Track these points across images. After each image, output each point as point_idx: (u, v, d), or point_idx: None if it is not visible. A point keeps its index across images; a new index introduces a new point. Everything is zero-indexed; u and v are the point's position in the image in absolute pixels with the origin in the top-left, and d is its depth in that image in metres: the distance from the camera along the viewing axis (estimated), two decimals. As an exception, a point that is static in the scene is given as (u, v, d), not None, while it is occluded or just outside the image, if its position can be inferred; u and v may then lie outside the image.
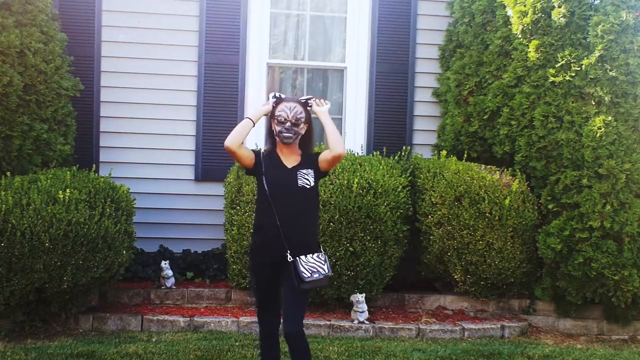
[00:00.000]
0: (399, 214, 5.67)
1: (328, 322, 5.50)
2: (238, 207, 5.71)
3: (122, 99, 6.68)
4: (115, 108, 6.67)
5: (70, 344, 4.87)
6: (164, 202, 6.68)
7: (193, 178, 6.77)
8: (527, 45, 5.92)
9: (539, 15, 5.83)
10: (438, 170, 5.88)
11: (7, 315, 5.02)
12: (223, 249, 6.42)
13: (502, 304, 6.09)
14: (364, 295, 5.55)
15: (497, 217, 5.59)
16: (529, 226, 5.76)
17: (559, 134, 5.71)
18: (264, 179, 3.63)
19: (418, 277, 6.37)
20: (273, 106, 3.71)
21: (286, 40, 7.15)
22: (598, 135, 5.50)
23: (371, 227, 5.52)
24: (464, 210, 5.62)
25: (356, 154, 6.21)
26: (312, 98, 3.77)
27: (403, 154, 6.39)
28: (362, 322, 5.50)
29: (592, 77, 5.59)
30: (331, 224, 5.48)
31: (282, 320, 3.66)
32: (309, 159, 3.71)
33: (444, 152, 6.23)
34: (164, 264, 6.02)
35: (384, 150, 6.52)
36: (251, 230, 5.50)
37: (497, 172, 5.93)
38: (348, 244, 5.52)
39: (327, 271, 3.55)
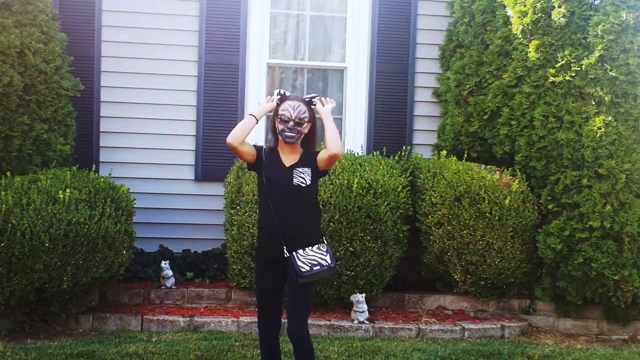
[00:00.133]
0: (399, 214, 5.67)
1: (328, 322, 5.50)
2: (238, 207, 5.71)
3: (122, 99, 6.68)
4: (115, 108, 6.67)
5: (70, 344, 4.87)
6: (164, 202, 6.68)
7: (193, 178, 6.77)
8: (527, 45, 5.92)
9: (539, 15, 5.83)
10: (438, 170, 5.88)
11: (7, 315, 5.02)
12: (223, 249, 6.42)
13: (502, 304, 6.09)
14: (364, 295, 5.55)
15: (497, 217, 5.59)
16: (529, 226, 5.76)
17: (559, 134, 5.71)
18: (263, 175, 3.64)
19: (418, 277, 6.37)
20: (277, 103, 3.70)
21: (286, 40, 7.15)
22: (598, 135, 5.50)
23: (371, 227, 5.53)
24: (464, 210, 5.62)
25: (356, 154, 6.21)
26: (316, 96, 3.75)
27: (403, 154, 6.39)
28: (362, 322, 5.50)
29: (592, 77, 5.59)
30: (331, 224, 5.48)
31: (286, 320, 3.65)
32: (308, 158, 3.70)
33: (444, 152, 6.23)
34: (164, 264, 6.02)
35: (384, 150, 6.52)
36: (251, 230, 5.53)
37: (497, 172, 5.93)
38: (348, 244, 5.52)
39: (330, 262, 3.54)
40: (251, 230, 5.54)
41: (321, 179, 5.39)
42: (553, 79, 5.75)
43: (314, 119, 3.73)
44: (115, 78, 6.67)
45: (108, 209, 5.17)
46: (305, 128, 3.68)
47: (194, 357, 4.60)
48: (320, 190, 5.42)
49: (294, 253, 3.50)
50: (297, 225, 3.58)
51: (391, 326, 5.53)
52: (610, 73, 5.51)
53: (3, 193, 4.78)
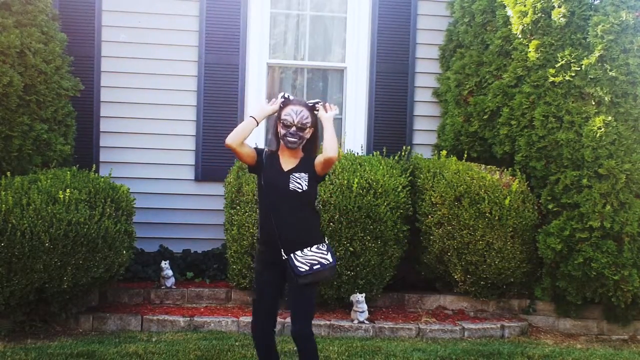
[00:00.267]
0: (399, 214, 5.67)
1: (328, 322, 5.50)
2: (238, 207, 5.71)
3: (122, 99, 6.68)
4: (115, 108, 6.67)
5: (70, 344, 4.87)
6: (164, 202, 6.68)
7: (193, 178, 6.77)
8: (527, 45, 5.92)
9: (539, 15, 5.83)
10: (438, 170, 5.88)
11: (7, 315, 5.02)
12: (223, 249, 6.42)
13: (502, 304, 6.09)
14: (364, 295, 5.55)
15: (497, 217, 5.59)
16: (529, 226, 5.76)
17: (559, 134, 5.71)
18: (262, 177, 3.64)
19: (418, 277, 6.37)
20: (280, 106, 3.69)
21: (286, 40, 7.15)
22: (598, 135, 5.50)
23: (371, 227, 5.53)
24: (464, 210, 5.62)
25: (356, 154, 6.21)
26: (320, 102, 3.72)
27: (403, 154, 6.39)
28: (362, 322, 5.50)
29: (592, 77, 5.59)
30: (331, 224, 5.48)
31: (289, 320, 3.65)
32: (307, 163, 3.68)
33: (444, 152, 6.23)
34: (164, 264, 6.02)
35: (384, 150, 6.52)
36: (251, 230, 5.53)
37: (497, 172, 5.93)
38: (348, 244, 5.52)
39: (331, 260, 3.53)
40: (251, 230, 5.54)
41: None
42: (553, 79, 5.75)
43: (316, 124, 3.71)
44: (115, 78, 6.67)
45: (108, 209, 5.17)
46: (307, 133, 3.67)
47: (194, 357, 4.60)
48: (320, 190, 5.42)
49: (291, 255, 3.50)
50: (295, 228, 3.57)
51: (391, 326, 5.53)
52: (610, 73, 5.51)
53: (3, 193, 4.78)
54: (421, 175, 5.95)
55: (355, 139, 6.90)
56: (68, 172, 5.33)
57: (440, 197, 5.72)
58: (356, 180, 5.53)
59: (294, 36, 7.14)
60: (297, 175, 3.61)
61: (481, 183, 5.66)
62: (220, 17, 6.76)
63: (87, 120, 6.52)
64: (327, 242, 3.65)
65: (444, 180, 5.74)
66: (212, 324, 5.45)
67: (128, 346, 4.80)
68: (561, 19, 5.74)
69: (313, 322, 5.34)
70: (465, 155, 6.24)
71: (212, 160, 6.68)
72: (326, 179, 5.52)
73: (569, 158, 5.66)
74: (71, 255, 4.86)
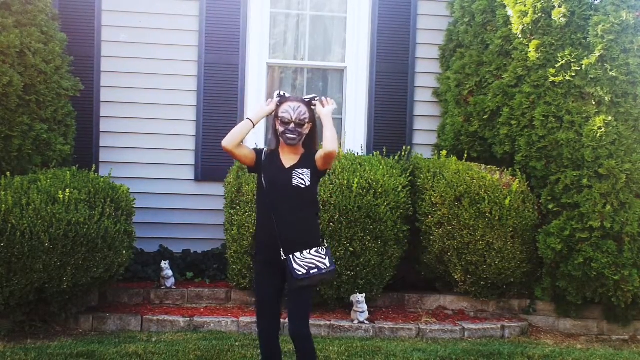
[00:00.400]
0: (399, 214, 5.67)
1: (328, 322, 5.50)
2: (238, 207, 5.71)
3: (122, 99, 6.68)
4: (115, 108, 6.67)
5: (70, 344, 4.87)
6: (164, 202, 6.67)
7: (193, 178, 6.77)
8: (527, 45, 5.92)
9: (539, 15, 5.83)
10: (438, 170, 5.87)
11: (7, 315, 5.02)
12: (223, 249, 6.42)
13: (502, 304, 6.09)
14: (364, 295, 5.55)
15: (497, 217, 5.59)
16: (529, 226, 5.76)
17: (559, 134, 5.71)
18: (262, 176, 3.63)
19: (418, 277, 6.36)
20: (277, 105, 3.68)
21: (286, 40, 7.15)
22: (598, 135, 5.50)
23: (371, 227, 5.52)
24: (464, 210, 5.62)
25: (356, 154, 6.21)
26: (316, 97, 3.72)
27: (403, 154, 6.38)
28: (362, 322, 5.50)
29: (592, 77, 5.59)
30: (331, 224, 5.48)
31: (286, 321, 3.64)
32: (308, 159, 3.68)
33: (444, 152, 6.22)
34: (164, 264, 6.02)
35: (384, 150, 6.52)
36: (251, 230, 5.53)
37: (497, 172, 5.93)
38: (348, 244, 5.52)
39: (328, 266, 3.51)
40: (251, 230, 5.54)
41: (321, 179, 5.39)
42: (553, 78, 5.75)
43: (314, 119, 3.71)
44: (115, 78, 6.67)
45: (108, 209, 5.17)
46: (306, 129, 3.66)
47: (193, 357, 4.60)
48: (320, 190, 5.42)
49: (290, 256, 3.49)
50: (295, 227, 3.56)
51: (391, 326, 5.53)
52: (611, 73, 5.51)
53: (3, 193, 4.78)
54: (421, 175, 5.95)
55: (355, 139, 6.90)
56: (68, 172, 5.33)
57: (440, 197, 5.71)
58: (356, 180, 5.52)
59: (294, 36, 7.14)
60: (299, 171, 3.61)
61: (481, 183, 5.66)
62: (220, 17, 6.76)
63: (87, 120, 6.52)
64: (327, 245, 3.62)
65: (444, 180, 5.74)
66: (212, 324, 5.44)
67: (128, 346, 4.80)
68: (561, 18, 5.74)
69: (314, 322, 5.40)
70: (466, 155, 6.24)
71: (212, 160, 6.68)
72: (326, 179, 5.53)
73: (569, 158, 5.66)
74: (71, 256, 4.86)
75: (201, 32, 6.73)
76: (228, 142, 3.58)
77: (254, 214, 5.49)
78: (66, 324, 5.34)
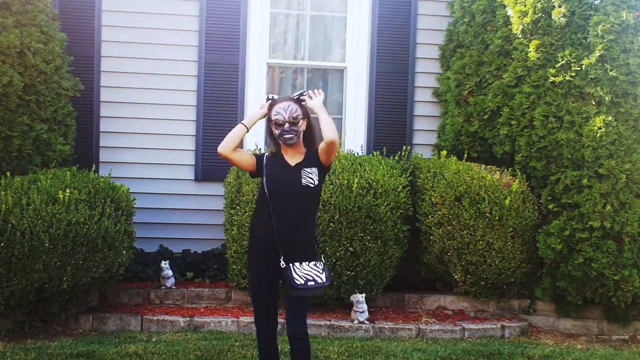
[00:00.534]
0: (399, 214, 5.67)
1: (328, 322, 5.50)
2: (238, 207, 5.71)
3: (122, 99, 6.68)
4: (115, 108, 6.67)
5: (70, 344, 4.87)
6: (164, 202, 6.67)
7: (193, 178, 6.77)
8: (527, 45, 5.92)
9: (539, 15, 5.83)
10: (438, 170, 5.87)
11: (7, 315, 5.02)
12: (223, 249, 6.42)
13: (502, 304, 6.09)
14: (364, 295, 5.55)
15: (497, 217, 5.59)
16: (529, 226, 5.76)
17: (559, 134, 5.70)
18: (264, 178, 3.62)
19: (418, 277, 6.36)
20: (268, 108, 3.68)
21: (286, 40, 7.15)
22: (598, 135, 5.50)
23: (371, 227, 5.52)
24: (464, 210, 5.62)
25: (356, 154, 6.21)
26: (305, 92, 3.72)
27: (403, 154, 6.38)
28: (362, 322, 5.50)
29: (592, 77, 5.59)
30: (331, 224, 5.48)
31: (284, 320, 3.64)
32: (312, 157, 3.67)
33: (444, 152, 6.22)
34: (164, 264, 6.02)
35: (384, 150, 6.52)
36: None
37: (497, 172, 5.93)
38: (348, 244, 5.52)
39: (324, 280, 3.50)
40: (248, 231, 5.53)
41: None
42: (553, 78, 5.75)
43: (307, 114, 3.70)
44: (115, 78, 6.67)
45: (108, 209, 5.17)
46: (302, 126, 3.66)
47: (193, 357, 4.60)
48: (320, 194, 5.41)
49: (290, 265, 3.47)
50: (297, 228, 3.55)
51: (391, 326, 5.53)
52: (611, 73, 5.51)
53: (3, 193, 4.78)
54: (421, 175, 5.95)
55: (355, 139, 6.90)
56: (68, 172, 5.33)
57: (440, 197, 5.71)
58: (356, 180, 5.52)
59: (294, 36, 7.14)
60: (308, 170, 3.60)
61: (481, 183, 5.66)
62: (220, 17, 6.76)
63: (87, 120, 6.52)
64: (323, 260, 3.61)
65: (444, 180, 5.74)
66: (212, 324, 5.44)
67: (128, 346, 4.80)
68: (561, 18, 5.73)
69: (314, 322, 5.41)
70: (466, 155, 6.24)
71: (212, 160, 6.67)
72: (326, 178, 5.53)
73: (569, 158, 5.66)
74: (71, 256, 4.86)
75: (201, 32, 6.73)
76: (223, 147, 3.60)
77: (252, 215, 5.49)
78: (66, 324, 5.34)
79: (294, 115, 3.61)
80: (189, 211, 6.74)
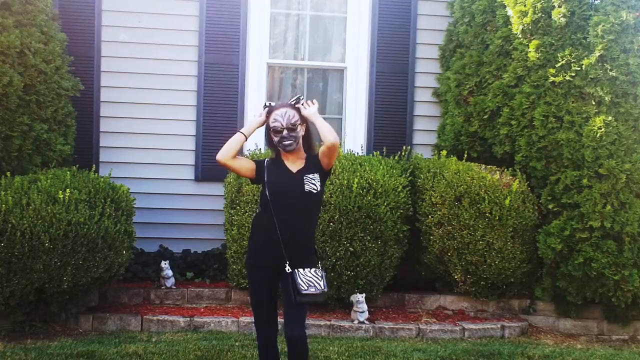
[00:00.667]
0: (399, 214, 5.67)
1: (328, 322, 5.50)
2: (238, 207, 5.71)
3: (122, 99, 6.68)
4: (115, 108, 6.67)
5: (70, 344, 4.87)
6: (164, 202, 6.67)
7: (193, 178, 6.77)
8: (527, 45, 5.92)
9: (539, 15, 5.83)
10: (438, 170, 5.87)
11: (7, 315, 5.02)
12: (223, 249, 6.42)
13: (502, 304, 6.09)
14: (364, 295, 5.55)
15: (497, 217, 5.59)
16: (529, 226, 5.76)
17: (559, 134, 5.71)
18: (266, 185, 3.61)
19: (418, 277, 6.36)
20: (266, 116, 3.68)
21: (286, 40, 7.15)
22: (598, 135, 5.50)
23: (371, 227, 5.52)
24: (464, 210, 5.62)
25: (356, 154, 6.21)
26: (301, 97, 3.73)
27: (403, 154, 6.39)
28: (362, 322, 5.50)
29: (592, 77, 5.59)
30: (331, 224, 5.48)
31: (283, 322, 3.64)
32: (313, 162, 3.68)
33: (444, 152, 6.22)
34: (164, 264, 6.02)
35: (384, 150, 6.52)
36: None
37: (497, 172, 5.93)
38: (348, 244, 5.52)
39: (323, 287, 3.52)
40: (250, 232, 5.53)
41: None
42: (553, 78, 5.75)
43: (305, 119, 3.70)
44: (115, 78, 6.67)
45: (108, 209, 5.17)
46: (300, 131, 3.66)
47: (194, 357, 4.60)
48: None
49: (295, 270, 3.48)
50: (299, 233, 3.56)
51: (391, 326, 5.53)
52: (611, 73, 5.51)
53: (3, 193, 4.78)
54: (421, 175, 5.95)
55: (355, 139, 6.90)
56: (68, 172, 5.33)
57: (440, 197, 5.71)
58: (356, 180, 5.52)
59: (294, 36, 7.14)
60: (310, 176, 3.61)
61: (481, 183, 5.66)
62: (220, 17, 6.75)
63: (87, 120, 6.52)
64: (321, 267, 3.62)
65: (444, 180, 5.74)
66: (212, 324, 5.44)
67: (128, 346, 4.80)
68: (561, 18, 5.73)
69: (314, 322, 5.41)
70: (466, 155, 6.24)
71: (212, 160, 6.50)
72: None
73: (569, 158, 5.66)
74: (71, 256, 4.86)
75: (201, 32, 6.73)
76: (222, 155, 3.62)
77: (254, 215, 5.49)
78: (66, 324, 5.34)
79: (292, 122, 3.61)
80: (189, 211, 6.74)
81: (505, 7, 6.11)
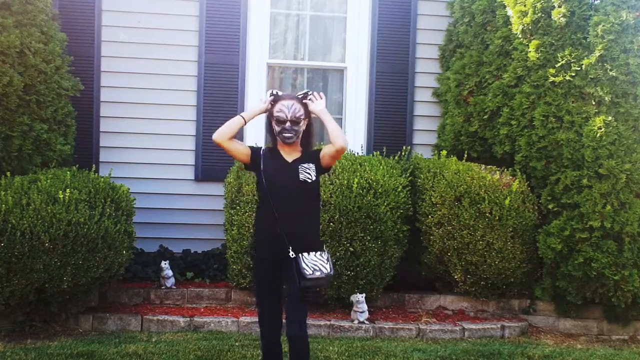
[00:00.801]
0: (399, 214, 5.67)
1: (328, 322, 5.50)
2: (238, 207, 5.71)
3: (122, 99, 6.68)
4: (115, 108, 6.67)
5: (70, 344, 4.87)
6: (164, 202, 6.67)
7: (193, 178, 6.77)
8: (527, 45, 5.92)
9: (539, 15, 5.83)
10: (438, 170, 5.88)
11: (7, 315, 5.02)
12: (223, 249, 6.42)
13: (502, 304, 6.09)
14: (364, 295, 5.55)
15: (497, 217, 5.59)
16: (529, 226, 5.76)
17: (559, 134, 5.71)
18: (262, 174, 3.60)
19: (418, 277, 6.36)
20: (271, 104, 3.68)
21: (286, 40, 7.15)
22: (598, 135, 5.50)
23: (371, 227, 5.52)
24: (464, 210, 5.62)
25: (356, 154, 6.21)
26: (309, 92, 3.71)
27: (403, 154, 6.39)
28: (362, 322, 5.50)
29: (592, 77, 5.59)
30: (331, 224, 5.48)
31: (286, 321, 3.63)
32: (310, 154, 3.68)
33: (444, 152, 6.22)
34: (164, 264, 6.02)
35: (384, 150, 6.52)
36: (251, 230, 5.52)
37: (497, 172, 5.93)
38: (348, 244, 5.52)
39: (329, 270, 3.51)
40: (251, 230, 5.54)
41: (321, 179, 5.39)
42: (553, 78, 5.75)
43: (309, 115, 3.70)
44: (115, 78, 6.67)
45: (108, 209, 5.17)
46: (302, 126, 3.65)
47: (194, 357, 4.60)
48: (320, 190, 5.41)
49: (299, 255, 3.47)
50: (299, 222, 3.55)
51: (391, 326, 5.53)
52: (611, 73, 5.51)
53: (3, 193, 4.78)
54: (421, 175, 5.95)
55: (355, 139, 6.90)
56: (68, 172, 5.33)
57: (440, 197, 5.72)
58: (356, 180, 5.52)
59: (294, 36, 7.14)
60: (305, 165, 3.60)
61: (481, 183, 5.66)
62: (220, 17, 6.76)
63: (87, 120, 6.52)
64: (326, 250, 3.62)
65: (444, 180, 5.74)
66: (212, 324, 5.44)
67: (128, 346, 4.80)
68: (561, 18, 5.74)
69: (314, 322, 5.41)
70: (465, 155, 6.24)
71: (212, 160, 6.68)
72: (326, 179, 5.53)
73: (569, 158, 5.66)
74: (71, 256, 4.86)
75: (201, 32, 6.73)
76: (219, 135, 3.60)
77: (254, 214, 5.48)
78: (66, 324, 5.34)
79: (297, 115, 3.61)
80: (189, 211, 6.74)
81: (505, 7, 6.11)
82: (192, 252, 6.67)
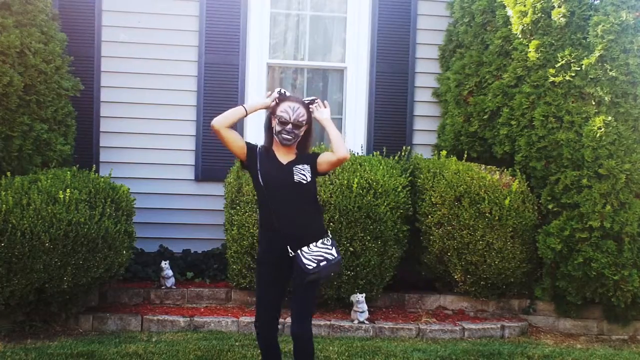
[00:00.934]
0: (399, 214, 5.67)
1: (328, 322, 5.50)
2: (238, 207, 5.71)
3: (122, 99, 6.68)
4: (115, 108, 6.67)
5: (70, 344, 4.87)
6: (164, 202, 6.68)
7: (193, 178, 6.77)
8: (527, 45, 5.92)
9: (539, 15, 5.83)
10: (438, 170, 5.88)
11: (7, 315, 5.02)
12: (223, 249, 6.42)
13: (502, 304, 6.09)
14: (364, 295, 5.55)
15: (497, 217, 5.59)
16: (529, 226, 5.76)
17: (559, 134, 5.71)
18: (258, 174, 3.59)
19: (418, 277, 6.36)
20: (276, 102, 3.67)
21: (286, 40, 7.15)
22: (598, 135, 5.50)
23: (371, 227, 5.52)
24: (464, 210, 5.62)
25: (356, 154, 6.21)
26: (316, 100, 3.70)
27: (403, 154, 6.39)
28: (362, 322, 5.50)
29: (592, 77, 5.59)
30: (331, 224, 5.48)
31: (290, 320, 3.63)
32: (305, 157, 3.67)
33: (444, 152, 6.23)
34: (164, 264, 6.02)
35: (384, 150, 6.52)
36: (251, 230, 5.53)
37: (497, 172, 5.93)
38: (348, 244, 5.52)
39: (336, 256, 3.50)
40: (251, 230, 5.54)
41: (321, 179, 5.40)
42: (553, 79, 5.75)
43: (311, 122, 3.69)
44: (115, 78, 6.67)
45: (108, 209, 5.17)
46: (302, 131, 3.64)
47: (194, 357, 4.60)
48: (320, 190, 5.43)
49: (298, 252, 3.47)
50: (299, 223, 3.55)
51: (391, 326, 5.53)
52: (610, 73, 5.51)
53: (3, 193, 4.78)
54: (421, 175, 5.95)
55: (355, 139, 6.90)
56: (68, 172, 5.33)
57: (440, 197, 5.72)
58: (356, 180, 5.53)
59: (294, 36, 7.14)
60: (300, 167, 3.59)
61: (481, 183, 5.67)
62: (220, 17, 6.76)
63: (87, 120, 6.52)
64: (330, 236, 3.61)
65: (444, 180, 5.74)
66: (212, 324, 5.45)
67: (128, 346, 4.80)
68: (561, 18, 5.74)
69: (314, 322, 5.37)
70: (465, 155, 6.24)
71: (212, 160, 6.68)
72: (326, 179, 5.54)
73: (569, 158, 5.66)
74: (71, 255, 4.86)
75: (201, 32, 6.74)
76: (217, 122, 3.57)
77: (254, 214, 5.50)
78: (66, 324, 5.34)
79: (300, 119, 3.59)
80: (189, 211, 6.74)
81: (505, 7, 6.12)
82: (192, 252, 6.67)
